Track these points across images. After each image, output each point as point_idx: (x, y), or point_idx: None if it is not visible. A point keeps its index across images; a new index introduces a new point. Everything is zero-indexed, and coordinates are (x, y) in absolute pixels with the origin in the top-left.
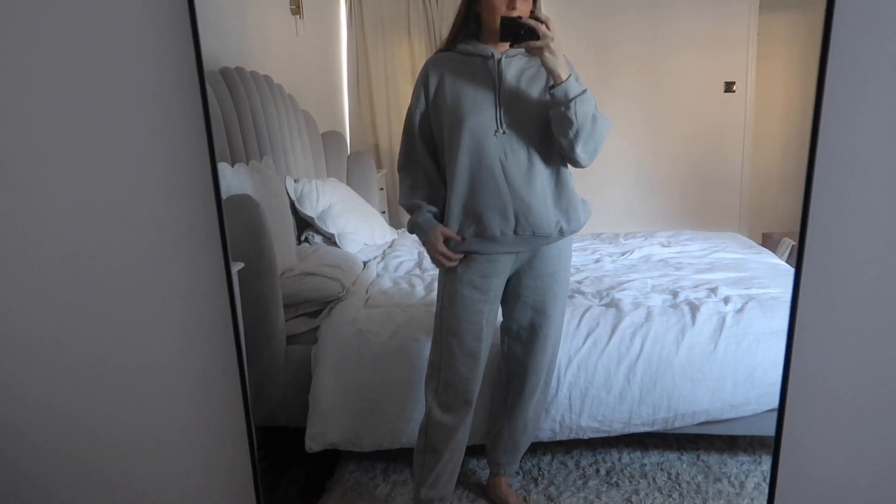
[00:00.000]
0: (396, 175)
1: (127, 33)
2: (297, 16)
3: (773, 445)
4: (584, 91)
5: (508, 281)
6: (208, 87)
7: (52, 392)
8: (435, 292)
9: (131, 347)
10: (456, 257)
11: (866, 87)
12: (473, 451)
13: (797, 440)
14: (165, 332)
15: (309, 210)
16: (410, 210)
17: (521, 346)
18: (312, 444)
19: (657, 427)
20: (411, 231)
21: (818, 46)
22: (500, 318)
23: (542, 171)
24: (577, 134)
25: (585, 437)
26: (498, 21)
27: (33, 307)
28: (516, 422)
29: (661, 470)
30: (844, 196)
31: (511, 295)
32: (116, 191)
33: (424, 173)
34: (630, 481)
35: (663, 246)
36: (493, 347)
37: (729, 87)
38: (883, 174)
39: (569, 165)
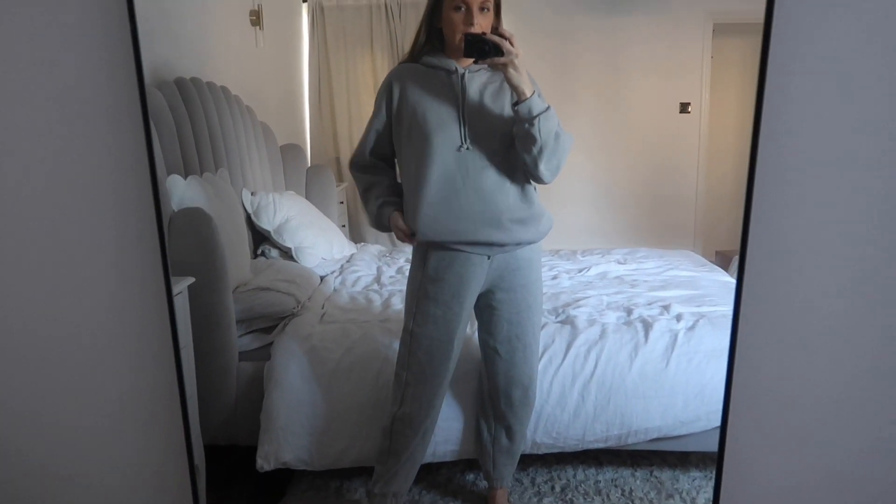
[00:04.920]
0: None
1: (66, 41)
2: (257, 27)
3: (717, 460)
4: (548, 108)
5: (481, 295)
6: (161, 96)
7: None
8: (392, 308)
9: (69, 365)
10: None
11: (803, 104)
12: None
13: (740, 455)
14: (107, 348)
15: (265, 223)
16: (367, 211)
17: (502, 360)
18: (264, 462)
19: (611, 444)
20: (379, 229)
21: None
22: (475, 335)
23: (505, 185)
24: (540, 151)
25: (540, 453)
26: (458, 37)
27: None
28: (514, 433)
29: (615, 486)
30: (783, 211)
31: (485, 310)
32: (53, 201)
33: (375, 177)
34: (584, 498)
35: (619, 263)
36: (475, 362)
37: (684, 107)
38: (820, 189)
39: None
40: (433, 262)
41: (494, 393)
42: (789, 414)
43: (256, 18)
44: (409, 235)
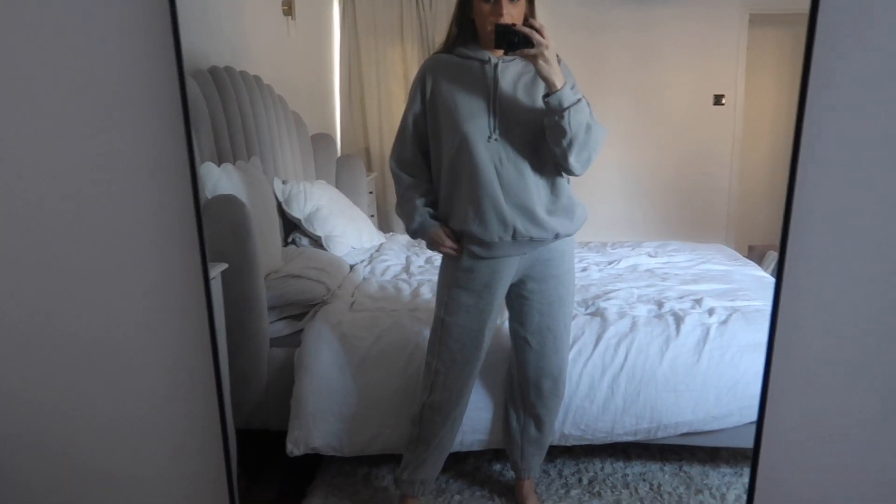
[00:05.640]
0: (387, 178)
1: (107, 30)
2: (289, 17)
3: (752, 456)
4: (579, 100)
5: (512, 285)
6: (196, 85)
7: (25, 390)
8: (421, 297)
9: (105, 348)
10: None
11: (848, 99)
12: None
13: (776, 453)
14: (142, 332)
15: (296, 212)
16: (407, 215)
17: (533, 350)
18: (294, 448)
19: (640, 437)
20: (413, 236)
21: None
22: (505, 324)
23: (537, 177)
24: (570, 143)
25: (568, 445)
26: (489, 28)
27: (6, 304)
28: (543, 424)
29: (644, 480)
30: (825, 208)
31: (517, 300)
32: (92, 189)
33: (417, 175)
34: (612, 491)
35: (650, 256)
36: (504, 352)
37: (718, 100)
38: (864, 186)
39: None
40: (466, 251)
41: (524, 383)
42: (829, 412)
43: (288, 8)
44: (453, 247)
